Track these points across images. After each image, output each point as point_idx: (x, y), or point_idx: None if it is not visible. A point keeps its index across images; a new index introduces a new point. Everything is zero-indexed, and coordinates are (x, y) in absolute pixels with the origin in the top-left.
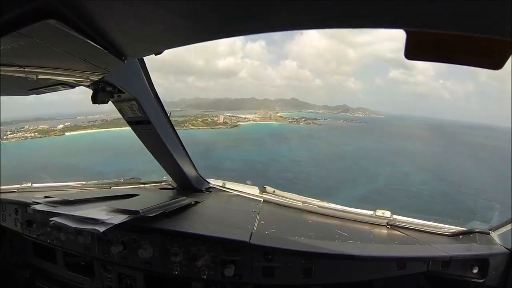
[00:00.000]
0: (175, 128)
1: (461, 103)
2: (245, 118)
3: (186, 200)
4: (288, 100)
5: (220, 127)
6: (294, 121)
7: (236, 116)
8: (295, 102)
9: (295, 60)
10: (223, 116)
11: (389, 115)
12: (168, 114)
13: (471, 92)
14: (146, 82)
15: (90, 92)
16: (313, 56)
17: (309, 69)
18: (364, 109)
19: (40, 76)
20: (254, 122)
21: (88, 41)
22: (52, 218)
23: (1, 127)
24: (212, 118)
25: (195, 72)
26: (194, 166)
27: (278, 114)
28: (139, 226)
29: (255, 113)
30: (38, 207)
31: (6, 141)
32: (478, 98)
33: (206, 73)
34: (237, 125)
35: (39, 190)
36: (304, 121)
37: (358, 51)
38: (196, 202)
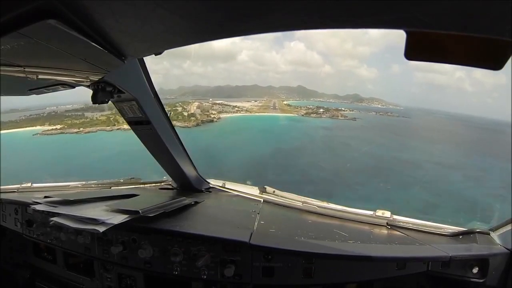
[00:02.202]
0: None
1: (483, 98)
2: (236, 107)
3: (186, 200)
4: (294, 88)
5: (175, 125)
6: (311, 112)
7: (226, 105)
8: (302, 90)
9: (302, 41)
10: (196, 105)
11: (407, 107)
12: (168, 114)
13: (501, 85)
14: (146, 82)
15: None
16: (324, 35)
17: (318, 52)
18: (378, 99)
19: (40, 76)
20: (248, 114)
21: (88, 41)
22: (52, 218)
23: None
24: (184, 107)
25: (187, 54)
26: (194, 166)
27: (285, 102)
28: (139, 226)
29: (255, 101)
30: (38, 207)
31: None
32: (504, 92)
33: (202, 56)
34: (213, 121)
35: (39, 190)
36: (325, 112)
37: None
38: (196, 202)
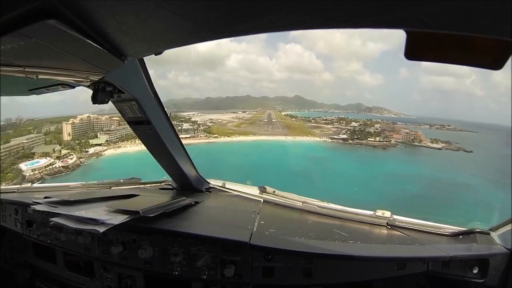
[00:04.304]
0: None
1: (490, 103)
2: (200, 123)
3: (186, 200)
4: (291, 98)
5: None
6: (352, 135)
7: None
8: (300, 101)
9: (298, 43)
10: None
11: (419, 116)
12: (168, 115)
13: None
14: (146, 82)
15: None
16: (322, 33)
17: (317, 55)
18: (385, 108)
19: (40, 76)
20: (205, 142)
21: (88, 41)
22: (52, 219)
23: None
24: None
25: (171, 61)
26: (194, 166)
27: (284, 113)
28: (139, 226)
29: (244, 112)
30: (38, 207)
31: None
32: None
33: (184, 63)
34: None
35: (39, 191)
36: (376, 130)
37: None
38: (196, 202)
